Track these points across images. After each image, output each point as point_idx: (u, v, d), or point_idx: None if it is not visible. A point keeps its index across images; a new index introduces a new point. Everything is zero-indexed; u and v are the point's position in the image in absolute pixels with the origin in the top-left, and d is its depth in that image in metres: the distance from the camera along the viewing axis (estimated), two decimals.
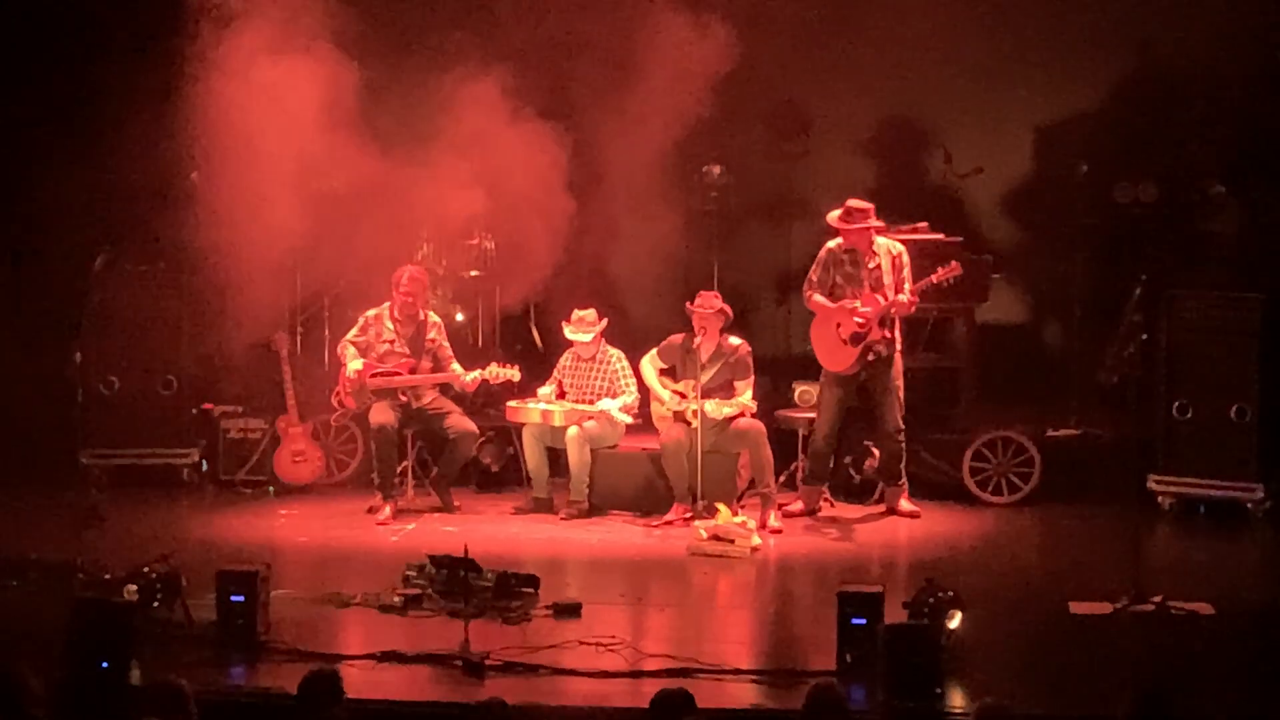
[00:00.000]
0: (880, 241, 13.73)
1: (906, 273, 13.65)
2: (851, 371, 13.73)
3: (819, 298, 13.77)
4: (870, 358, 13.63)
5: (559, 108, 14.55)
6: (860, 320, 13.53)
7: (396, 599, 11.17)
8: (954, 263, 13.60)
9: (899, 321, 13.78)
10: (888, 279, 13.61)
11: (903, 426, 13.82)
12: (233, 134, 14.10)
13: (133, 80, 14.58)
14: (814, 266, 13.89)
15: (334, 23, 14.14)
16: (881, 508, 14.01)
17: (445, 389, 14.18)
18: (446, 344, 14.16)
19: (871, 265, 13.68)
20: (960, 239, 14.65)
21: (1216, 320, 13.98)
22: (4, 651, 9.78)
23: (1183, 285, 14.20)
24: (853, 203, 13.70)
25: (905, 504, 13.92)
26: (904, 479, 13.94)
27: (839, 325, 13.68)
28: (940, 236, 14.53)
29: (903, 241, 14.00)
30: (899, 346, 13.82)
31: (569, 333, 14.11)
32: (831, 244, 13.85)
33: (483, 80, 14.33)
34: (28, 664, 7.98)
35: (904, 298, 13.50)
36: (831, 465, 14.11)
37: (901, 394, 13.81)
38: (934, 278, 13.55)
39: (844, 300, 13.64)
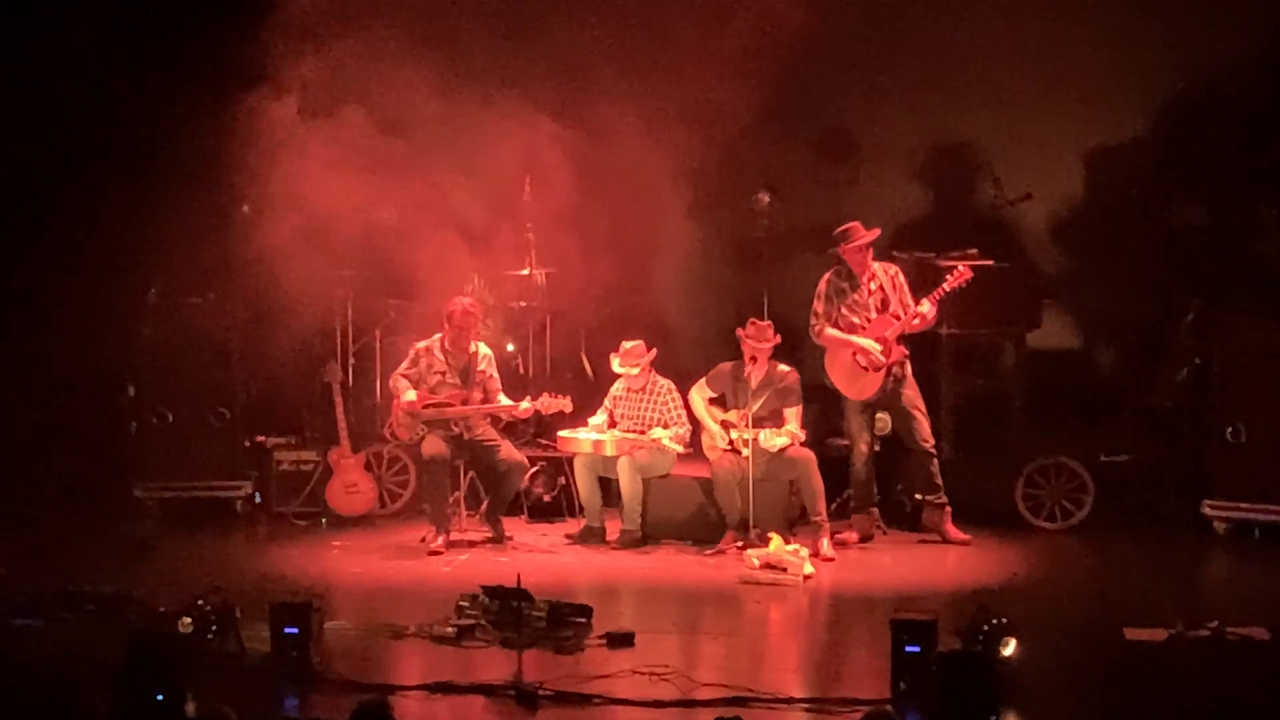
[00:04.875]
0: (875, 265, 13.77)
1: (906, 291, 13.71)
2: (876, 398, 13.75)
3: (831, 330, 13.77)
4: (891, 379, 13.65)
5: (608, 137, 14.55)
6: (882, 346, 13.56)
7: (449, 629, 11.16)
8: (962, 267, 13.62)
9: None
10: (892, 299, 13.65)
11: (932, 438, 13.83)
12: (284, 167, 14.18)
13: (186, 113, 14.67)
14: (816, 300, 13.89)
15: (386, 58, 14.22)
16: (935, 535, 13.96)
17: (495, 420, 14.20)
18: (495, 375, 14.18)
19: (873, 287, 13.71)
20: (1010, 264, 14.63)
21: (1269, 343, 13.91)
22: (59, 684, 9.87)
23: (1235, 309, 14.15)
24: (847, 227, 13.78)
25: (954, 531, 13.87)
26: (946, 504, 13.90)
27: (855, 353, 13.69)
28: (990, 262, 14.50)
29: (948, 267, 13.99)
30: (909, 363, 13.84)
31: (617, 366, 14.10)
32: (829, 274, 13.88)
33: (531, 113, 14.37)
34: (93, 697, 8.01)
35: (925, 309, 13.53)
36: (875, 490, 14.08)
37: (923, 407, 13.83)
38: (946, 286, 13.60)
39: (854, 327, 13.67)
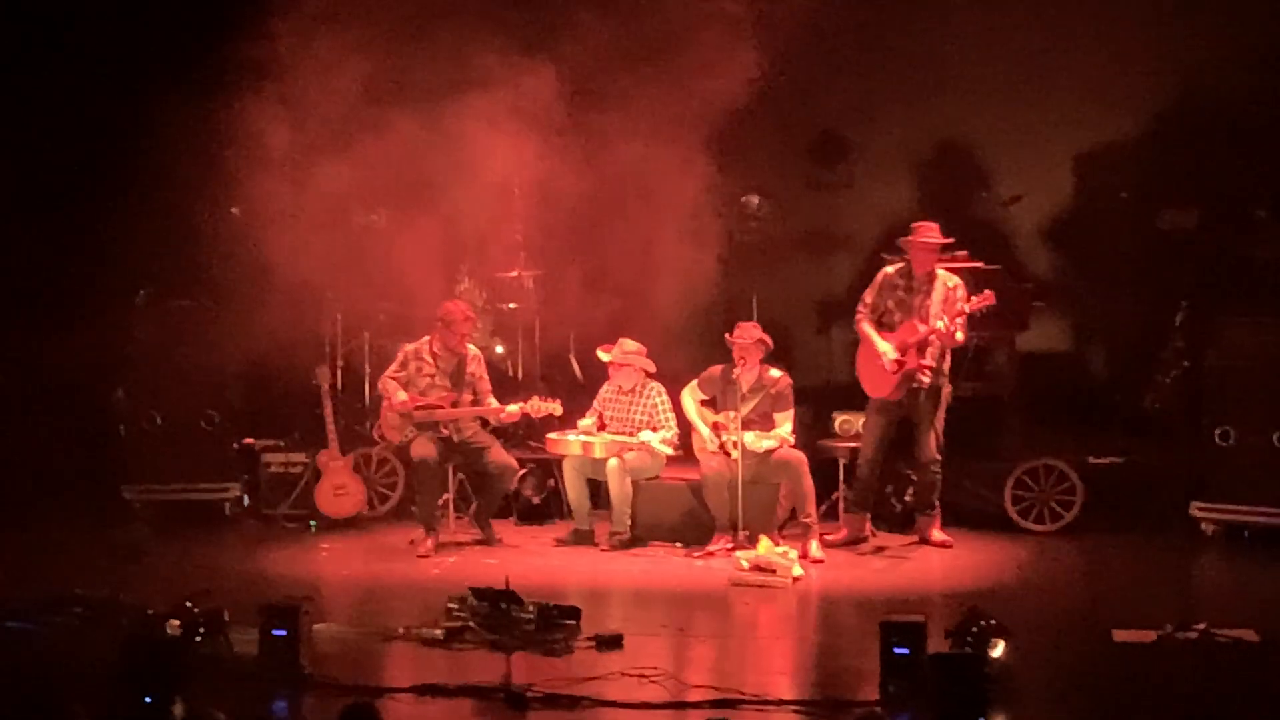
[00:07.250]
0: (940, 273, 13.70)
1: (960, 307, 13.56)
2: (894, 398, 13.68)
3: (867, 326, 13.71)
4: (913, 385, 13.58)
5: (599, 139, 14.54)
6: (899, 351, 13.50)
7: (438, 632, 11.15)
8: (988, 291, 13.55)
9: (949, 353, 13.73)
10: (935, 309, 13.56)
11: (938, 458, 13.76)
12: (273, 169, 14.17)
13: (174, 117, 14.64)
14: (869, 289, 13.84)
15: (373, 62, 14.23)
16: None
17: (485, 422, 14.19)
18: (485, 377, 14.18)
19: (927, 292, 13.61)
20: (1000, 267, 14.63)
21: (1259, 346, 13.89)
22: (49, 687, 9.85)
23: (1225, 311, 14.15)
24: (919, 224, 13.73)
25: (937, 533, 13.86)
26: (937, 508, 13.88)
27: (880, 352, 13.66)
28: (980, 264, 14.49)
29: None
30: (946, 379, 13.76)
31: (603, 355, 14.13)
32: (889, 269, 13.83)
33: (521, 114, 14.37)
34: (78, 701, 8.00)
35: (941, 325, 13.44)
36: (872, 495, 14.05)
37: (941, 425, 13.74)
38: (968, 307, 13.51)
39: (893, 325, 13.63)
